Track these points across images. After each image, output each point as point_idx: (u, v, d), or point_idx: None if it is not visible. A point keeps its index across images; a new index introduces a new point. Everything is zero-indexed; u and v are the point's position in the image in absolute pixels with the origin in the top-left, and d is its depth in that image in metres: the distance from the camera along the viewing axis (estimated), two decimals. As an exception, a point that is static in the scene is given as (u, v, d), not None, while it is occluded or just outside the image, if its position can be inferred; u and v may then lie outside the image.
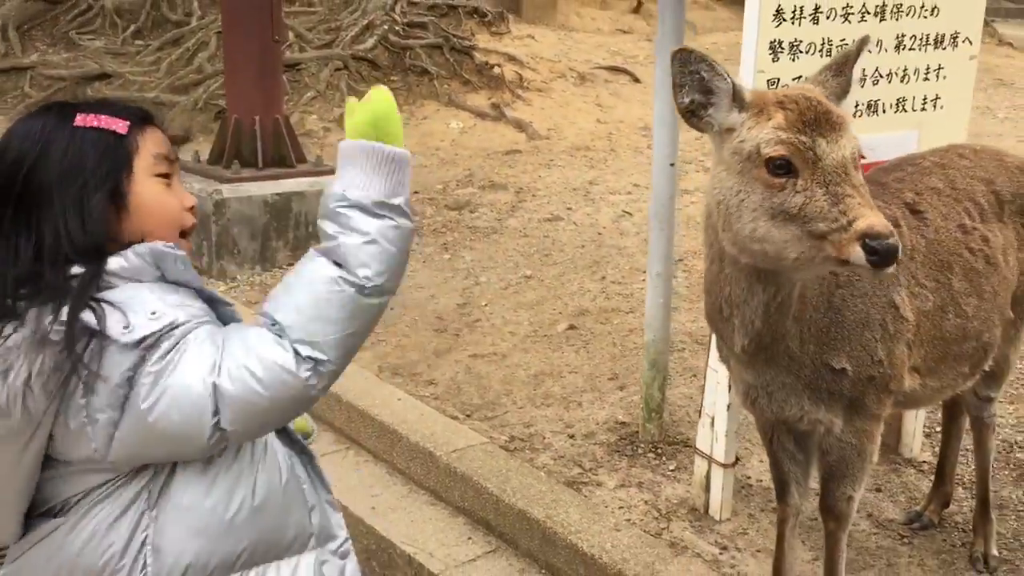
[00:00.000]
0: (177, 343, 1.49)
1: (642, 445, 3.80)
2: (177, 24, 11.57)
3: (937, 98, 3.27)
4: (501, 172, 8.22)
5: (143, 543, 1.54)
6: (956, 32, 3.22)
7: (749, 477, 3.57)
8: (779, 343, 2.26)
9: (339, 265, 1.54)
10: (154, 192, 1.62)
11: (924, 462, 3.66)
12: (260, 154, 6.37)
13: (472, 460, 3.62)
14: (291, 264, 6.13)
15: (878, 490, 3.51)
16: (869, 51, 2.97)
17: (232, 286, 5.84)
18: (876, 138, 3.19)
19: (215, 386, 1.47)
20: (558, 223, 6.85)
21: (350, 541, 1.84)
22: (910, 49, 3.14)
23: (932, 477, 3.37)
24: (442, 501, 3.65)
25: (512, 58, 11.23)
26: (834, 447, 2.42)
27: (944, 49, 3.22)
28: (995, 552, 3.05)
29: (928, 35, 3.17)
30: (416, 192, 7.72)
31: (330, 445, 4.12)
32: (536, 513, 3.27)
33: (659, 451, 3.77)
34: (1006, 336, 2.79)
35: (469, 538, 3.43)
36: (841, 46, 2.99)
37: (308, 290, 1.53)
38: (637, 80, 11.27)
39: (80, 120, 1.58)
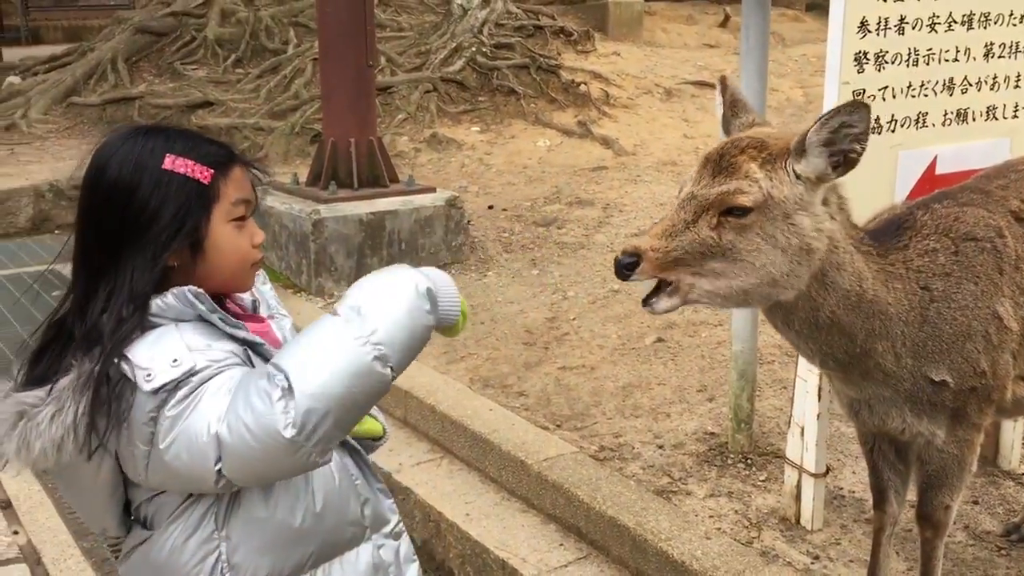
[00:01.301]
0: (194, 390, 1.57)
1: (732, 455, 3.82)
2: (275, 52, 12.03)
3: (1029, 105, 3.24)
4: (588, 188, 8.30)
5: (217, 560, 1.68)
6: (1048, 38, 3.19)
7: (841, 488, 3.57)
8: (867, 360, 2.28)
9: (355, 325, 1.57)
10: (228, 237, 1.72)
11: (1023, 474, 3.60)
12: (355, 175, 6.61)
13: (563, 469, 3.71)
14: (385, 281, 6.33)
15: (975, 502, 3.46)
16: (956, 60, 2.99)
17: (330, 302, 6.06)
18: (967, 146, 3.18)
19: (217, 435, 1.54)
20: (645, 238, 6.90)
21: (402, 523, 1.96)
22: (999, 57, 3.13)
23: (1032, 489, 3.32)
24: (534, 508, 3.74)
25: (598, 75, 11.33)
26: (934, 457, 2.42)
27: (1035, 55, 3.19)
28: (1098, 565, 2.99)
29: (1018, 43, 3.15)
30: (505, 209, 7.88)
31: (425, 454, 4.26)
32: (626, 520, 3.33)
33: (749, 461, 3.79)
34: None
35: (561, 544, 3.51)
36: (928, 56, 3.01)
37: (320, 344, 1.57)
38: (724, 94, 11.22)
39: (169, 163, 1.66)
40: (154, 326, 1.64)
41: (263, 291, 1.96)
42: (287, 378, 1.53)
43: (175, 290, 1.65)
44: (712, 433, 4.03)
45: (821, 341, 2.24)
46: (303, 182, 6.92)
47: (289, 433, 1.50)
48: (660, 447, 3.95)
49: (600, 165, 9.18)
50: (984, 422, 2.43)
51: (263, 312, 1.92)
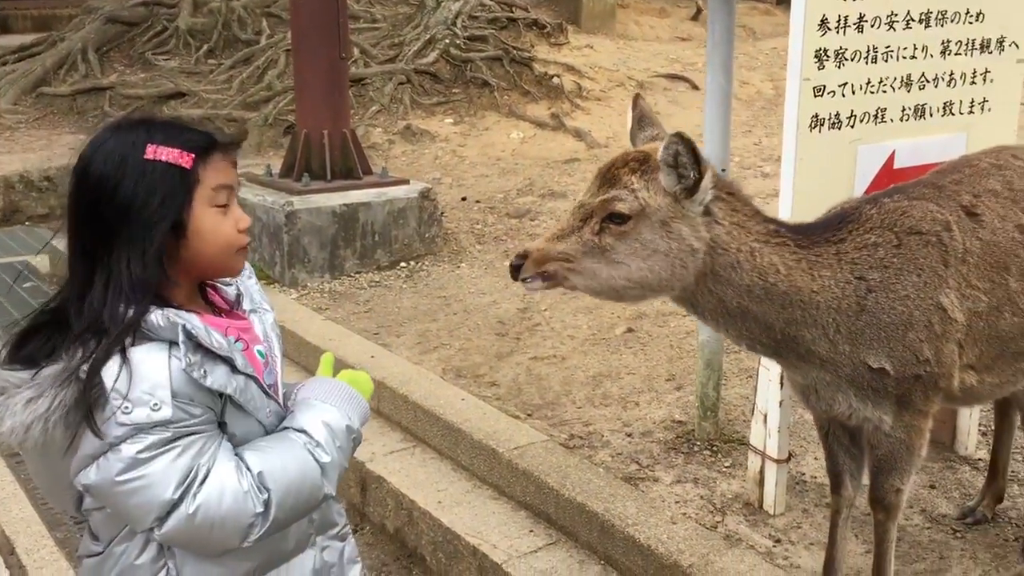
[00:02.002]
0: (167, 443, 1.61)
1: (698, 443, 3.91)
2: (247, 43, 11.99)
3: (985, 101, 3.33)
4: (560, 180, 8.37)
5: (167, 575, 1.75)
6: (1003, 36, 3.29)
7: (803, 473, 3.66)
8: (796, 345, 2.41)
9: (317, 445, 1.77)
10: (211, 222, 1.74)
11: (979, 459, 3.71)
12: (328, 167, 6.64)
13: (533, 457, 3.77)
14: (359, 272, 6.38)
15: (932, 487, 3.57)
16: (913, 57, 3.08)
17: (303, 293, 6.09)
18: (925, 141, 3.27)
19: (174, 504, 1.61)
20: (617, 229, 6.98)
21: (348, 526, 2.03)
22: (956, 54, 3.22)
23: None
24: (504, 496, 3.81)
25: (571, 68, 11.39)
26: (883, 442, 2.51)
27: (991, 53, 3.28)
28: (1048, 546, 3.10)
29: (974, 40, 3.24)
30: (478, 201, 7.93)
31: (398, 443, 4.31)
32: (595, 507, 3.40)
33: (715, 448, 3.87)
34: None
35: (531, 531, 3.58)
36: (886, 53, 3.09)
37: (301, 477, 1.73)
38: (696, 87, 11.34)
39: (151, 152, 1.69)
40: (148, 338, 1.65)
41: (248, 285, 1.98)
42: (269, 502, 1.68)
43: (169, 315, 1.66)
44: (679, 421, 4.12)
45: (738, 327, 2.40)
46: (276, 174, 6.93)
47: (247, 543, 1.68)
48: (629, 435, 4.03)
49: (573, 157, 9.25)
50: (931, 409, 2.52)
51: (246, 306, 1.95)
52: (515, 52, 11.24)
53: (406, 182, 6.90)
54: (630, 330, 5.16)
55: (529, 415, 4.24)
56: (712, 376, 3.85)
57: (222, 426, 1.73)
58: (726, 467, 3.74)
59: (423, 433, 4.28)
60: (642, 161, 2.25)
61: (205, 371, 1.65)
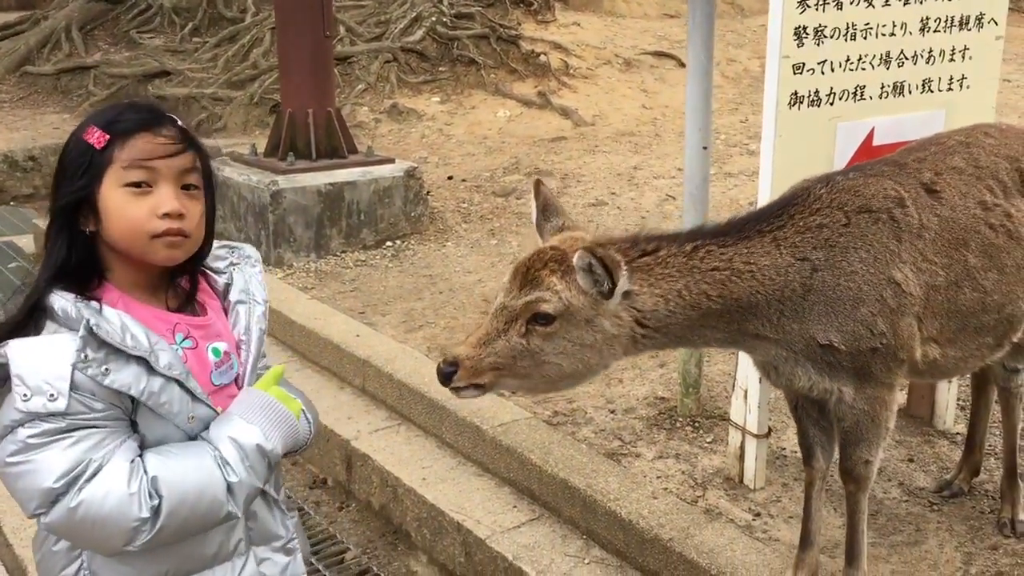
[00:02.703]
0: (60, 433, 1.60)
1: (680, 419, 3.95)
2: (232, 21, 11.92)
3: (964, 78, 3.35)
4: (547, 159, 8.37)
5: (80, 567, 1.76)
6: (981, 13, 3.30)
7: (784, 448, 3.70)
8: (744, 337, 2.46)
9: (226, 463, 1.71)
10: (117, 202, 1.68)
11: (957, 434, 3.75)
12: (314, 146, 6.62)
13: (517, 434, 3.80)
14: (345, 251, 6.38)
15: (910, 460, 3.61)
16: (892, 34, 3.09)
17: (289, 273, 6.10)
18: (904, 118, 3.29)
19: (57, 495, 1.59)
20: (602, 208, 6.99)
21: (296, 540, 1.96)
22: (935, 31, 3.23)
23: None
24: (488, 472, 3.84)
25: (558, 46, 11.36)
26: (847, 414, 2.54)
27: (969, 30, 3.30)
28: (1022, 517, 3.15)
29: (953, 17, 3.25)
30: (464, 180, 7.93)
31: (383, 421, 4.34)
32: (577, 482, 3.44)
33: (697, 424, 3.91)
34: None
35: (514, 506, 3.61)
36: (866, 30, 3.10)
37: (200, 489, 1.67)
38: (683, 65, 11.32)
39: (86, 133, 1.70)
40: (65, 325, 1.64)
41: (249, 274, 1.95)
42: (159, 509, 1.63)
43: (80, 306, 1.64)
44: (662, 398, 4.15)
45: (687, 343, 2.51)
46: (261, 153, 6.91)
47: (131, 547, 1.64)
48: (612, 412, 4.06)
49: (559, 135, 9.24)
50: (894, 381, 2.55)
51: (233, 297, 1.91)
52: (502, 30, 11.20)
53: (392, 161, 6.89)
54: (615, 308, 5.19)
55: (513, 393, 4.27)
56: (694, 353, 3.88)
57: (135, 424, 1.70)
58: (708, 443, 3.77)
59: (408, 411, 4.30)
60: (560, 261, 2.25)
61: (107, 369, 1.62)
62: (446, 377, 2.24)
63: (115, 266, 1.74)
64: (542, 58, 10.93)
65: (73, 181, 1.69)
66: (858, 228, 2.46)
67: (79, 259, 1.70)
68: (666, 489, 3.43)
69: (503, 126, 9.70)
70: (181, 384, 1.71)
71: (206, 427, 1.76)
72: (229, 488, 1.70)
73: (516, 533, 3.45)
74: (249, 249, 2.02)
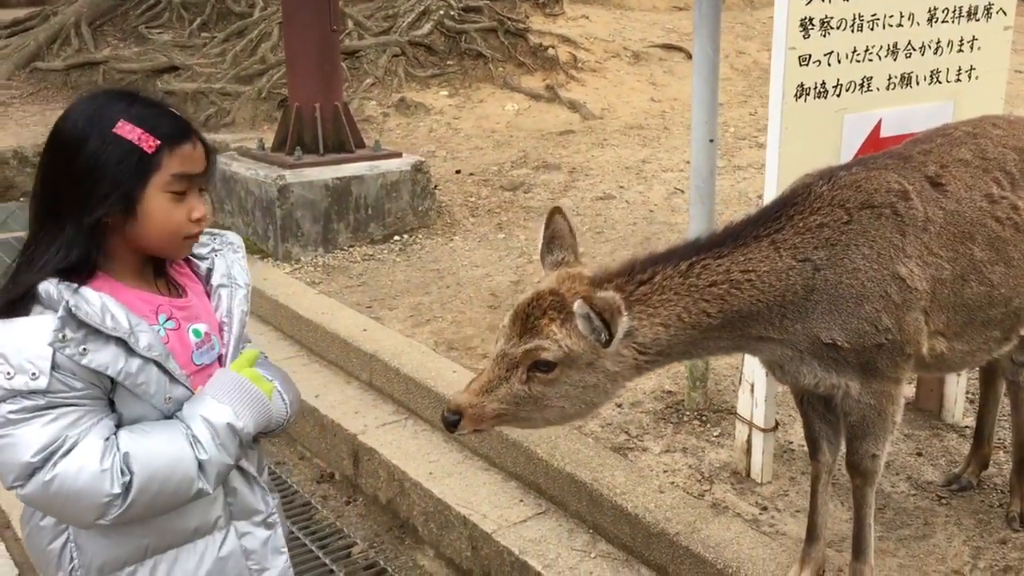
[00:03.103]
0: (39, 410, 1.65)
1: (687, 413, 3.94)
2: (240, 16, 11.93)
3: (972, 69, 3.32)
4: (555, 152, 8.35)
5: (67, 540, 1.83)
6: (990, 3, 3.27)
7: (791, 442, 3.69)
8: (748, 341, 2.45)
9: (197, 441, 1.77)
10: (162, 208, 1.76)
11: (966, 427, 3.73)
12: (321, 140, 6.62)
13: (523, 428, 3.80)
14: (352, 246, 6.39)
15: (919, 454, 3.59)
16: (900, 25, 3.07)
17: (296, 267, 6.10)
18: (911, 110, 3.27)
19: (33, 468, 1.65)
20: (610, 201, 6.98)
21: (276, 514, 2.03)
22: (943, 22, 3.20)
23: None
24: (495, 467, 3.84)
25: (566, 39, 11.33)
26: (854, 408, 2.53)
27: (978, 20, 3.27)
28: (1031, 512, 3.13)
29: (961, 7, 3.22)
30: (472, 174, 7.92)
31: (390, 415, 4.34)
32: (583, 476, 3.43)
33: (704, 419, 3.90)
34: None
35: (520, 500, 3.61)
36: (872, 21, 3.08)
37: (170, 467, 1.73)
38: (691, 57, 11.28)
39: (120, 128, 1.72)
40: (48, 306, 1.68)
41: (232, 259, 2.01)
42: (130, 485, 1.69)
43: (61, 288, 1.68)
44: (670, 392, 4.14)
45: (692, 358, 2.51)
46: (269, 148, 6.91)
47: (103, 521, 1.70)
48: (619, 406, 4.05)
49: (567, 129, 9.22)
50: (901, 376, 2.53)
51: (215, 281, 1.97)
52: (510, 23, 11.18)
53: (399, 155, 6.89)
54: (622, 301, 5.17)
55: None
56: (701, 346, 3.87)
57: (113, 404, 1.75)
58: (715, 437, 3.76)
59: (415, 405, 4.30)
60: (559, 308, 2.23)
61: (85, 349, 1.67)
62: (450, 425, 2.28)
63: (119, 255, 1.80)
64: (550, 51, 10.90)
65: (118, 181, 1.72)
66: (860, 224, 2.43)
67: (90, 250, 1.73)
68: (673, 483, 3.42)
69: (511, 120, 9.68)
70: (160, 365, 1.76)
71: (180, 407, 1.82)
72: (200, 465, 1.76)
73: (523, 527, 3.44)
74: (232, 236, 2.08)
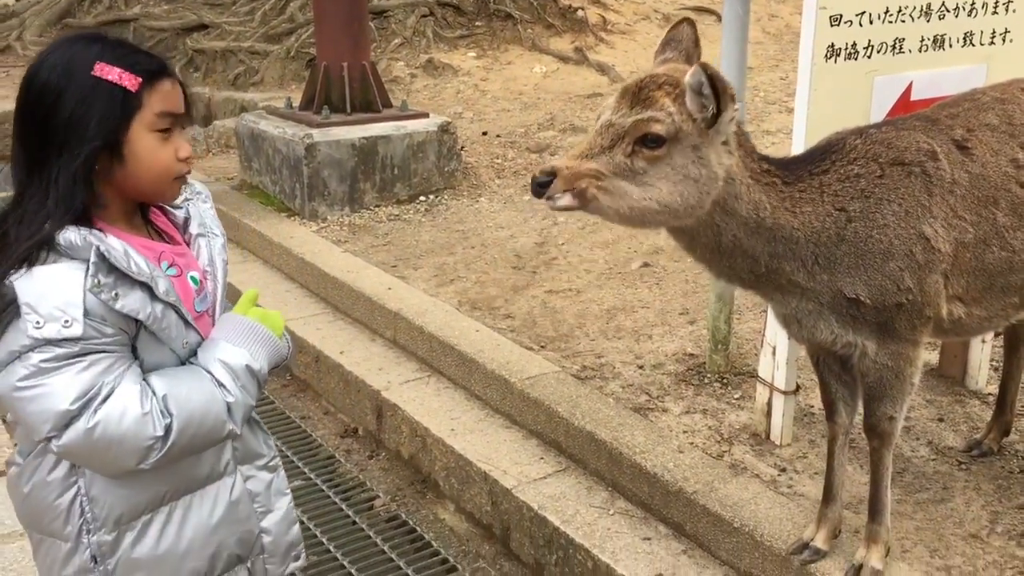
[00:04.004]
0: (73, 357, 1.65)
1: (708, 375, 3.95)
2: (269, -26, 11.86)
3: (1006, 32, 3.27)
4: (582, 115, 8.31)
5: (77, 493, 1.81)
6: (1027, -36, 3.21)
7: (812, 406, 3.69)
8: (777, 277, 2.43)
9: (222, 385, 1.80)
10: (149, 147, 1.75)
11: (989, 394, 3.72)
12: (348, 100, 6.63)
13: (544, 387, 3.83)
14: (378, 205, 6.41)
15: (940, 420, 3.59)
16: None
17: (323, 226, 6.14)
18: (943, 72, 3.22)
19: (71, 416, 1.64)
20: (637, 165, 6.95)
21: (278, 458, 2.07)
22: (978, -18, 3.15)
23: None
24: (516, 424, 3.88)
25: (596, 1, 11.21)
26: (871, 369, 2.53)
27: (1014, -18, 3.21)
28: (1051, 479, 3.13)
29: (997, -32, 3.17)
30: (499, 136, 7.90)
31: (413, 373, 4.39)
32: (603, 435, 3.46)
33: (725, 381, 3.91)
34: None
35: (541, 458, 3.65)
36: (906, -19, 3.03)
37: (206, 409, 1.76)
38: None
39: (98, 70, 1.70)
40: (67, 255, 1.68)
41: (203, 209, 2.01)
42: (170, 427, 1.71)
43: (86, 235, 1.68)
44: (691, 354, 4.15)
45: (725, 263, 2.42)
46: (296, 106, 6.93)
47: (143, 465, 1.71)
48: (640, 367, 4.07)
49: (595, 92, 9.15)
50: (919, 338, 2.52)
51: (193, 230, 1.97)
52: (539, -16, 11.07)
53: (426, 115, 6.89)
54: (646, 264, 5.18)
55: (542, 347, 4.29)
56: (724, 309, 3.88)
57: (134, 351, 1.76)
58: (735, 399, 3.78)
59: (438, 363, 4.35)
60: (675, 85, 2.18)
61: (117, 294, 1.68)
62: (540, 186, 2.16)
63: (112, 201, 1.79)
64: (579, 13, 10.79)
65: (102, 122, 1.70)
66: (892, 180, 2.43)
67: (88, 198, 1.72)
68: (692, 444, 3.45)
69: (539, 82, 9.62)
70: (177, 310, 1.79)
71: (195, 352, 1.84)
72: (228, 407, 1.79)
73: (542, 484, 3.49)
74: (199, 185, 2.07)
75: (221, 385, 1.79)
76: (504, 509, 3.48)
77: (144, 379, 1.74)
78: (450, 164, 6.74)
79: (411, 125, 6.64)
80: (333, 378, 4.58)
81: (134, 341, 1.76)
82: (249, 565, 2.00)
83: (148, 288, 1.73)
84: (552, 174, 2.17)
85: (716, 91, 2.13)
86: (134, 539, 1.84)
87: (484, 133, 7.96)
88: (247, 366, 1.83)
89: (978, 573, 2.75)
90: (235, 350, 1.83)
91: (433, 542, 3.57)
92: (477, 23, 10.70)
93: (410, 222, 6.19)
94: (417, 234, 5.92)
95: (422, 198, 6.57)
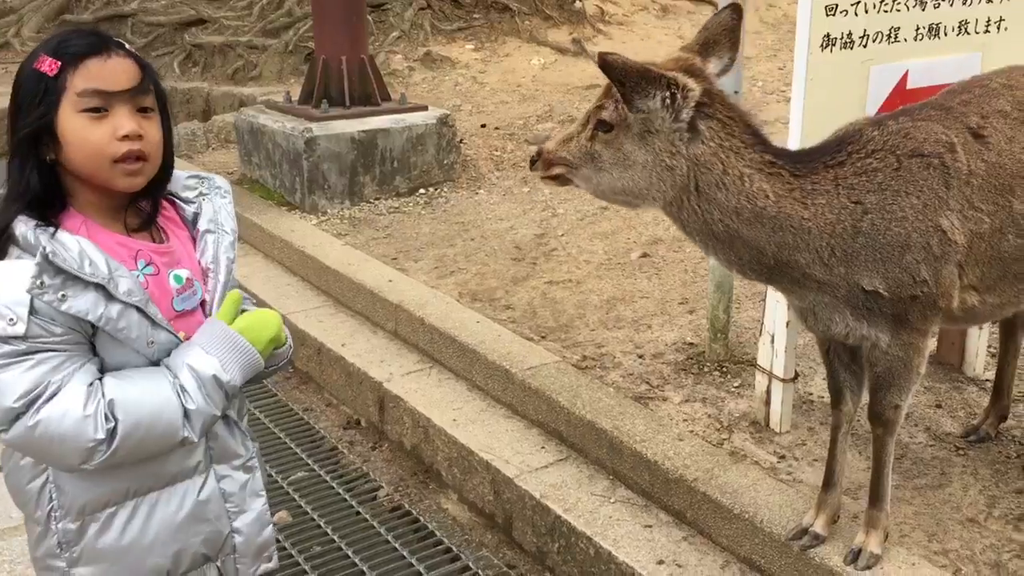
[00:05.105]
0: (18, 355, 1.66)
1: (708, 364, 3.98)
2: (267, -32, 11.85)
3: (1001, 20, 3.28)
4: (581, 107, 8.31)
5: (46, 481, 1.83)
6: (1022, -48, 3.23)
7: (811, 393, 3.72)
8: (791, 270, 2.45)
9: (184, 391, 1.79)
10: (76, 127, 1.72)
11: (987, 380, 3.74)
12: (347, 93, 6.65)
13: (545, 377, 3.86)
14: (378, 198, 6.43)
15: (938, 406, 3.62)
16: (928, -25, 3.02)
17: (323, 219, 6.17)
18: (939, 61, 3.24)
19: (16, 415, 1.66)
20: (636, 156, 6.96)
21: (255, 459, 2.05)
22: (973, -29, 3.17)
23: (993, 394, 3.47)
24: (517, 414, 3.91)
25: (594, -8, 11.20)
26: (881, 359, 2.55)
27: (1009, -30, 3.23)
28: (1048, 463, 3.16)
29: (992, -44, 3.18)
30: (497, 128, 7.92)
31: (415, 364, 4.41)
32: (604, 424, 3.49)
33: (724, 370, 3.94)
34: None
35: (542, 447, 3.68)
36: (901, -30, 3.05)
37: (157, 415, 1.75)
38: (721, 11, 11.13)
39: (37, 62, 1.73)
40: (25, 251, 1.70)
41: (218, 204, 2.00)
42: (115, 431, 1.70)
43: (38, 233, 1.69)
44: (691, 343, 4.18)
45: (727, 251, 2.47)
46: (296, 100, 6.95)
47: (88, 466, 1.72)
48: (640, 356, 4.10)
49: (593, 83, 9.15)
50: (929, 328, 2.55)
51: (201, 226, 1.96)
52: (537, -24, 11.06)
53: (424, 108, 6.90)
54: (645, 255, 5.20)
55: (543, 337, 4.32)
56: (723, 298, 3.90)
57: (95, 348, 1.76)
58: (735, 387, 3.81)
59: (439, 354, 4.38)
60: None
61: (64, 295, 1.68)
62: (531, 162, 2.54)
63: (78, 192, 1.80)
64: (577, 4, 10.79)
65: (30, 111, 1.73)
66: (909, 172, 2.44)
67: (43, 186, 1.74)
68: (692, 432, 3.48)
69: (537, 74, 9.63)
70: (140, 310, 1.76)
71: (168, 352, 1.82)
72: (186, 414, 1.78)
73: (544, 473, 3.52)
74: (219, 180, 2.06)
75: (184, 391, 1.78)
76: (506, 498, 3.51)
77: (100, 379, 1.74)
78: (449, 157, 6.75)
79: (410, 118, 6.66)
80: (335, 370, 4.61)
81: (92, 339, 1.76)
82: (219, 564, 1.99)
83: (104, 289, 1.71)
84: (539, 154, 2.50)
85: (612, 77, 2.28)
86: (98, 530, 1.85)
87: (483, 125, 7.97)
88: (215, 376, 1.80)
89: (975, 557, 2.78)
90: (206, 358, 1.80)
91: (436, 532, 3.61)
92: (475, 15, 10.69)
93: (410, 215, 6.21)
94: (417, 226, 5.95)
95: (422, 191, 6.59)
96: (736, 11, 2.52)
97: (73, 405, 1.67)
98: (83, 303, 1.69)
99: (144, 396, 1.74)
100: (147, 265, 1.83)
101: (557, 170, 2.47)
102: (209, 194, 2.00)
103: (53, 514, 1.84)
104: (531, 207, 6.12)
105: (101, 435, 1.69)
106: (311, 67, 6.97)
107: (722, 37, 2.48)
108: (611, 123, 2.36)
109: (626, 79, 2.25)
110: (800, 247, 2.41)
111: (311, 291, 5.35)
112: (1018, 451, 3.30)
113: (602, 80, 2.43)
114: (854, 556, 2.68)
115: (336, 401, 4.64)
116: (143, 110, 1.79)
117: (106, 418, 1.70)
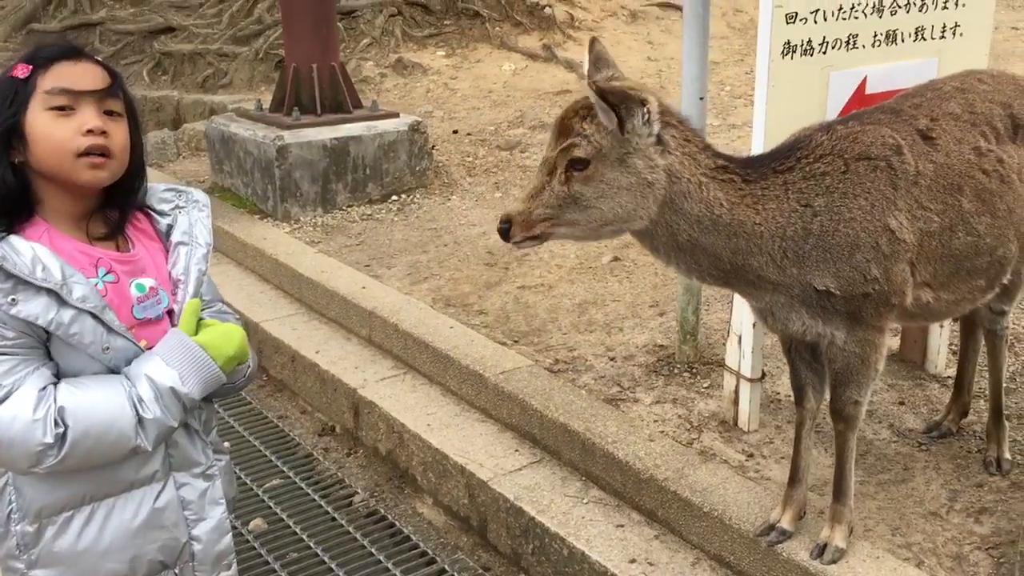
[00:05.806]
0: None
1: (678, 366, 4.04)
2: (236, -24, 11.82)
3: (956, 26, 3.38)
4: (552, 112, 8.37)
5: (7, 481, 1.87)
6: (975, -40, 3.32)
7: (778, 393, 3.80)
8: (745, 273, 2.52)
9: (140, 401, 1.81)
10: (43, 123, 1.78)
11: (948, 377, 3.83)
12: (318, 101, 6.66)
13: (518, 381, 3.91)
14: (351, 205, 6.45)
15: (901, 403, 3.70)
16: (884, -17, 3.10)
17: (296, 227, 6.18)
18: (896, 67, 3.33)
19: None
20: (606, 160, 7.03)
21: (216, 467, 2.06)
22: (928, -21, 3.25)
23: (954, 390, 3.55)
24: (491, 418, 3.96)
25: (563, -2, 11.28)
26: (838, 356, 2.63)
27: (963, -22, 3.32)
28: (1008, 456, 3.24)
29: (946, -35, 3.27)
30: (469, 134, 7.96)
31: (389, 370, 4.45)
32: (577, 427, 3.55)
33: (694, 371, 4.01)
34: (1023, 252, 2.93)
35: (516, 450, 3.73)
36: (858, -21, 3.13)
37: (108, 423, 1.78)
38: (689, 16, 11.23)
39: (12, 71, 1.81)
40: None
41: (196, 217, 2.03)
42: (64, 437, 1.73)
43: None
44: (661, 345, 4.24)
45: (689, 261, 2.52)
46: (267, 108, 6.96)
47: (37, 470, 1.75)
48: (612, 359, 4.16)
49: (564, 89, 9.23)
50: (884, 324, 2.62)
51: (175, 238, 1.99)
52: (507, -18, 11.12)
53: (396, 115, 6.93)
54: (616, 259, 5.27)
55: (516, 341, 4.37)
56: (692, 301, 3.97)
57: (51, 352, 1.80)
58: (704, 388, 3.87)
59: (413, 360, 4.41)
60: (589, 108, 2.33)
61: (14, 299, 1.71)
62: (504, 233, 2.38)
63: (46, 196, 1.84)
64: (547, 11, 10.86)
65: (3, 112, 1.78)
66: (856, 175, 2.52)
67: (11, 190, 1.79)
68: (663, 432, 3.54)
69: (508, 80, 9.69)
70: (95, 316, 1.79)
71: (127, 359, 1.85)
72: (141, 423, 1.81)
73: (518, 475, 3.56)
74: (198, 194, 2.09)
75: (141, 400, 1.80)
76: (481, 501, 3.56)
77: (54, 384, 1.76)
78: (421, 163, 6.79)
79: (382, 125, 6.69)
80: (309, 377, 4.63)
81: (47, 344, 1.79)
82: (177, 571, 2.01)
83: (56, 294, 1.74)
84: (509, 221, 2.37)
85: (610, 103, 2.26)
86: (55, 533, 1.88)
87: (455, 132, 8.02)
88: (172, 388, 1.83)
89: (938, 549, 2.86)
90: (165, 370, 1.83)
91: (412, 536, 3.64)
92: (446, 22, 10.74)
93: (383, 221, 6.24)
94: (390, 233, 5.98)
95: (394, 197, 6.62)
96: (598, 40, 2.61)
97: (23, 409, 1.70)
98: (33, 308, 1.72)
99: (97, 404, 1.77)
100: (107, 273, 1.86)
101: (538, 229, 2.37)
102: (186, 207, 2.03)
103: (12, 516, 1.87)
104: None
105: (49, 439, 1.72)
106: (282, 75, 6.98)
107: (602, 57, 2.55)
108: (587, 158, 2.32)
109: (620, 103, 2.27)
110: (754, 251, 2.48)
111: (284, 299, 5.37)
112: (979, 446, 3.39)
113: (573, 86, 2.47)
114: (820, 550, 2.75)
115: (311, 408, 4.66)
116: (110, 113, 1.85)
117: (56, 423, 1.73)
